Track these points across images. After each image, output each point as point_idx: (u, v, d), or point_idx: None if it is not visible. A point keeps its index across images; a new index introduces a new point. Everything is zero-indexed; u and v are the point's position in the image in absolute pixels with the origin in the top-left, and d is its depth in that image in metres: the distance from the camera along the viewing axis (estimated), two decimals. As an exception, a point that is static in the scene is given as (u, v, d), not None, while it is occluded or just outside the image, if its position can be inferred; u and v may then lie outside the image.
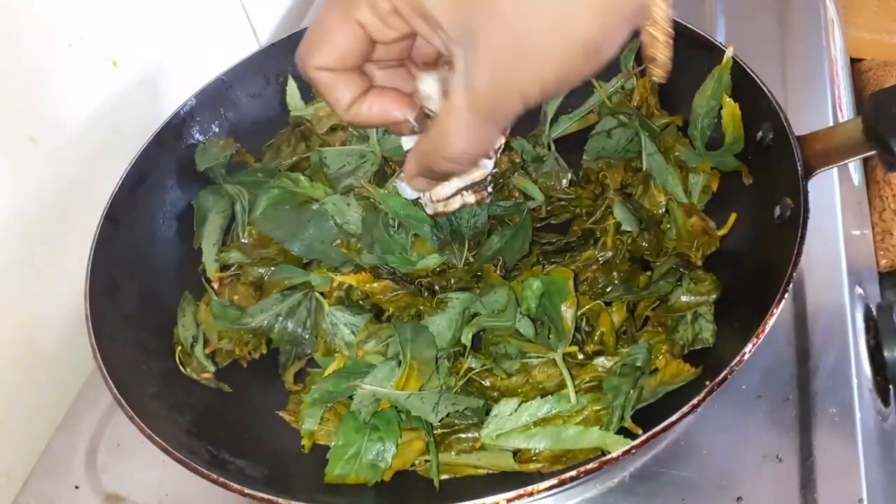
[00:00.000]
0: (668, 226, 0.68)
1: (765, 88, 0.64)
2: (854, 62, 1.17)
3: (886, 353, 0.66)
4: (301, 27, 0.86)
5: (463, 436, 0.59)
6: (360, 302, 0.67)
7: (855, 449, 0.60)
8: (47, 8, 0.72)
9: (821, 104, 0.86)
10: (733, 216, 0.67)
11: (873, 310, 0.71)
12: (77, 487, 0.69)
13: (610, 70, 0.76)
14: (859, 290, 0.72)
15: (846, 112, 0.91)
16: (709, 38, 0.71)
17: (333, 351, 0.64)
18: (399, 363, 0.58)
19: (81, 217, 0.71)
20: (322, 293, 0.67)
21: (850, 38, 1.16)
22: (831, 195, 0.77)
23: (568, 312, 0.59)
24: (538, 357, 0.59)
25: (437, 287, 0.66)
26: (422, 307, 0.64)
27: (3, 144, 0.69)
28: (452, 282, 0.67)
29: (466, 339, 0.60)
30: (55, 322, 0.76)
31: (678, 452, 0.62)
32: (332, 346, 0.64)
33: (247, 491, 0.51)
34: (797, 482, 0.59)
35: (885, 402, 0.68)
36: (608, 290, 0.64)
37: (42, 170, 0.73)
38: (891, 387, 0.68)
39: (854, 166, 0.88)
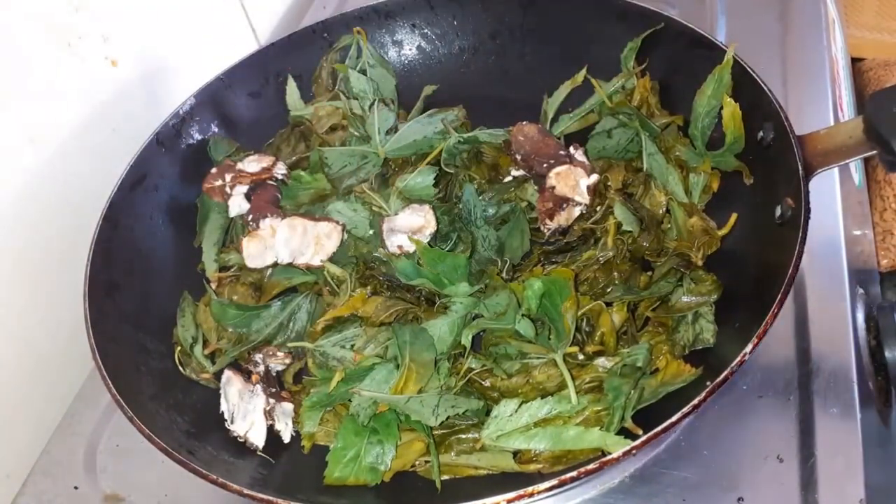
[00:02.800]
0: (669, 226, 0.68)
1: (765, 88, 0.64)
2: (855, 62, 1.17)
3: (887, 354, 0.66)
4: (301, 26, 0.86)
5: (463, 436, 0.59)
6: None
7: (856, 449, 0.60)
8: (47, 7, 0.72)
9: (821, 104, 0.86)
10: (734, 216, 0.67)
11: (874, 310, 0.71)
12: (76, 488, 0.69)
13: (610, 70, 0.76)
14: (860, 291, 0.72)
15: (847, 112, 0.91)
16: (709, 37, 0.71)
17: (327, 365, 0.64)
18: (398, 365, 0.58)
19: (80, 217, 0.71)
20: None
21: (851, 38, 1.16)
22: (832, 195, 0.77)
23: (568, 313, 0.59)
24: (538, 357, 0.59)
25: (436, 298, 0.65)
26: (419, 313, 0.64)
27: (3, 145, 0.69)
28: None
29: (466, 340, 0.60)
30: (55, 322, 0.76)
31: (679, 453, 0.62)
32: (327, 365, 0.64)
33: (246, 491, 0.51)
34: (798, 483, 0.59)
35: (886, 402, 0.68)
36: (609, 290, 0.64)
37: (41, 170, 0.73)
38: (892, 387, 0.68)
39: (855, 166, 0.88)
